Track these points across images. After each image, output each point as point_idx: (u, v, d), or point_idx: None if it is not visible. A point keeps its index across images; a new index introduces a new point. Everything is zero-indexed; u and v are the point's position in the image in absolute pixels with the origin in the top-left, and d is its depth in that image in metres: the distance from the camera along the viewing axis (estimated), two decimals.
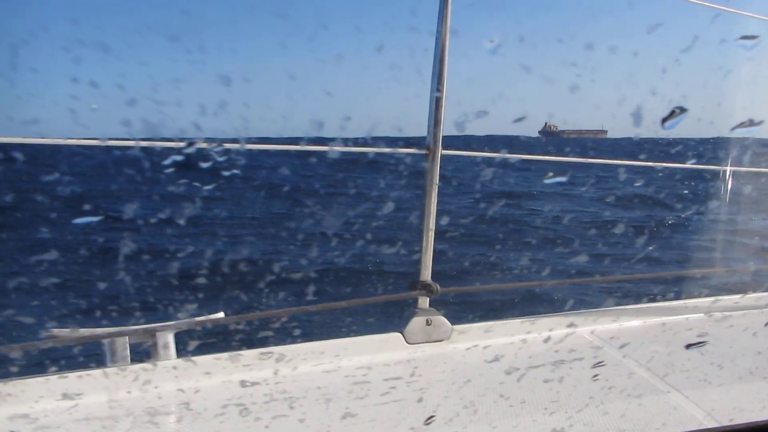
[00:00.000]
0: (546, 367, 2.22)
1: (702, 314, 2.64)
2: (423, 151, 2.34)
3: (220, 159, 2.16)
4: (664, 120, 2.25)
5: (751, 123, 2.46)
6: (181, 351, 2.34)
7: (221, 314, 2.53)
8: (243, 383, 2.00)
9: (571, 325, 2.47)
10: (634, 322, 2.58)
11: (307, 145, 2.35)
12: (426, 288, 2.35)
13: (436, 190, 2.34)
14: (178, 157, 2.00)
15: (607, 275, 8.96)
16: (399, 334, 2.31)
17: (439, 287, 2.33)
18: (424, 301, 2.37)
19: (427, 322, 2.34)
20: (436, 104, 2.29)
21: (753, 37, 2.48)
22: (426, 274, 2.36)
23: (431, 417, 1.82)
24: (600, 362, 2.26)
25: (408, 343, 2.30)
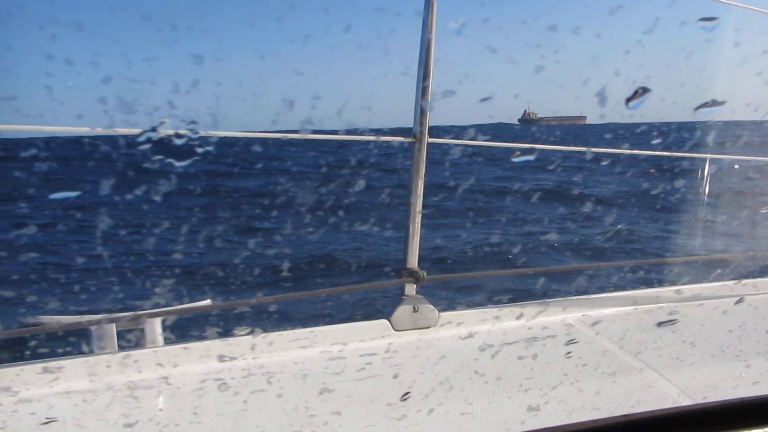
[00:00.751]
0: (519, 344, 2.24)
1: (673, 294, 2.67)
2: (410, 140, 2.34)
3: (199, 148, 2.16)
4: (628, 100, 2.28)
5: (714, 103, 2.49)
6: (169, 337, 2.35)
7: (208, 301, 2.53)
8: (221, 358, 2.01)
9: (542, 305, 2.50)
10: (607, 306, 2.60)
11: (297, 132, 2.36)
12: (413, 275, 2.36)
13: (423, 177, 2.35)
14: (152, 134, 2.00)
15: (591, 263, 9.02)
16: (386, 321, 2.32)
17: (425, 274, 2.34)
18: (410, 288, 2.39)
19: (414, 308, 2.35)
20: (423, 93, 2.30)
21: (712, 19, 2.49)
22: (413, 262, 2.37)
23: (407, 393, 1.83)
24: (573, 340, 2.28)
25: (395, 329, 2.31)
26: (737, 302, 2.56)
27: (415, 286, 2.38)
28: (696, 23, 2.50)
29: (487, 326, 2.39)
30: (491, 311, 2.45)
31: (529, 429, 1.42)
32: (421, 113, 2.32)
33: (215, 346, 2.07)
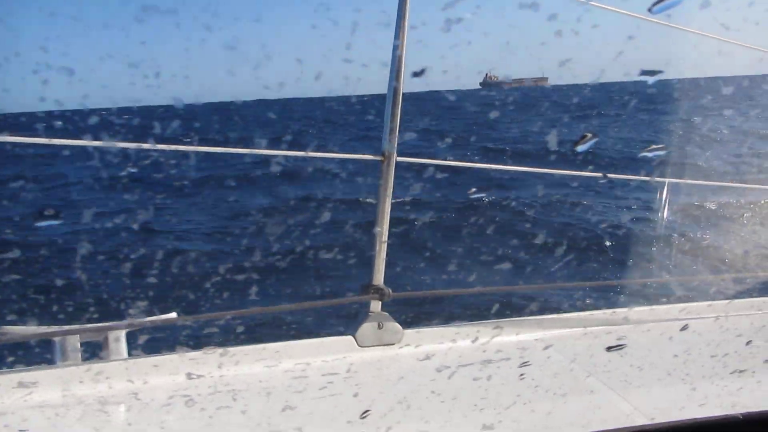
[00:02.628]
0: (475, 365, 2.29)
1: (621, 319, 2.75)
2: (378, 158, 2.37)
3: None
4: (576, 144, 2.39)
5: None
6: (133, 349, 2.35)
7: (174, 314, 2.54)
8: (189, 375, 2.04)
9: (497, 327, 2.56)
10: (558, 328, 2.66)
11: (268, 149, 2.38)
12: (378, 292, 2.38)
13: (390, 196, 2.38)
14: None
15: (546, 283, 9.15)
16: (351, 338, 2.35)
17: (390, 291, 2.37)
18: (376, 305, 2.41)
19: (379, 325, 2.37)
20: (392, 113, 2.34)
21: (657, 72, 2.60)
22: (378, 278, 2.40)
23: (366, 411, 1.87)
24: (526, 362, 2.33)
25: (359, 346, 2.33)
26: (682, 329, 2.64)
27: (380, 302, 2.40)
28: None
29: (445, 346, 2.43)
30: (450, 330, 2.49)
31: None
32: (390, 132, 2.35)
33: (183, 360, 2.09)
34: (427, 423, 1.89)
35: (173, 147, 2.28)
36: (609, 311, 2.77)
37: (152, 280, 8.77)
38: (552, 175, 3.21)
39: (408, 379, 2.22)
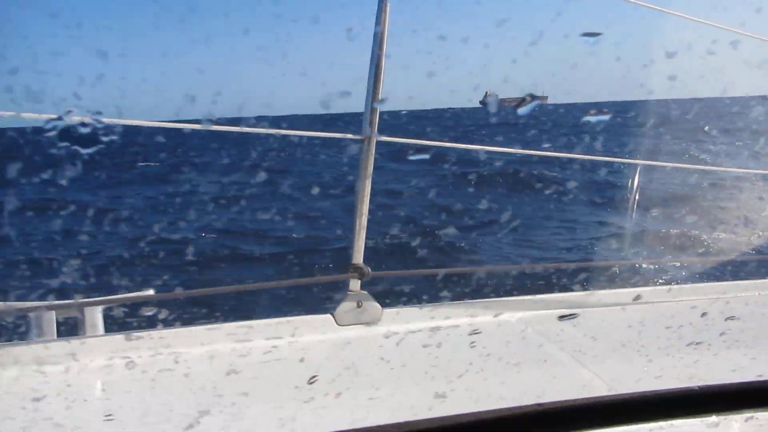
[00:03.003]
0: (424, 332, 2.27)
1: (573, 296, 2.74)
2: (359, 137, 2.36)
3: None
4: (517, 106, 2.38)
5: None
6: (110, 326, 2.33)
7: (151, 291, 2.52)
8: (128, 337, 2.01)
9: (451, 304, 2.54)
10: (512, 307, 2.60)
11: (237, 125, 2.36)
12: (357, 271, 2.38)
13: (370, 176, 2.37)
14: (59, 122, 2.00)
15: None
16: (330, 316, 2.34)
17: (370, 270, 2.36)
18: (355, 284, 2.40)
19: (358, 304, 2.37)
20: (374, 92, 2.33)
21: (596, 35, 2.61)
22: (358, 257, 2.39)
23: (314, 377, 1.85)
24: (476, 330, 2.31)
25: (338, 325, 2.32)
26: (635, 299, 2.63)
27: (359, 281, 2.40)
28: (579, 36, 2.62)
29: (425, 324, 2.42)
30: (429, 309, 2.47)
31: (438, 415, 1.41)
32: (371, 112, 2.34)
33: (164, 336, 2.08)
34: (377, 390, 1.86)
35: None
36: (561, 294, 2.77)
37: (130, 256, 8.72)
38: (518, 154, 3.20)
39: (355, 345, 2.20)
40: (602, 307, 2.62)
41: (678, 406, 1.47)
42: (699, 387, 1.57)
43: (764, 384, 1.67)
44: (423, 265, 8.93)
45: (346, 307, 2.35)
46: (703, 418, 1.45)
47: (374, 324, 2.36)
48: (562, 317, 2.47)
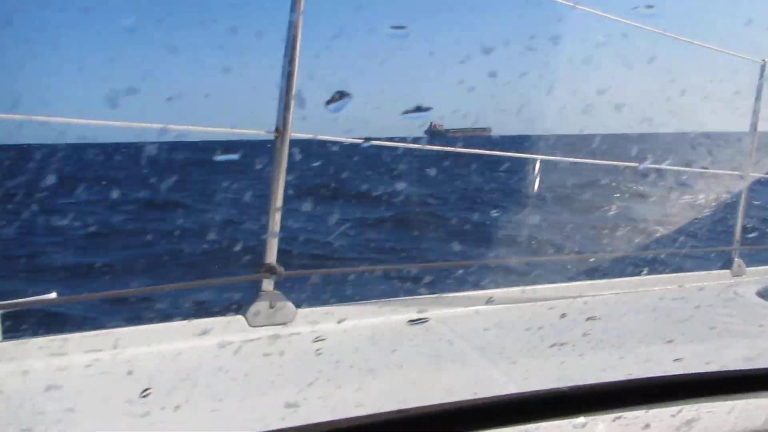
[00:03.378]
0: (262, 340, 2.18)
1: (425, 300, 2.61)
2: (272, 133, 2.32)
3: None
4: (328, 103, 2.40)
5: (419, 109, 2.69)
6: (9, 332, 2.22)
7: (53, 294, 2.42)
8: None
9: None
10: (359, 314, 2.49)
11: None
12: (270, 270, 2.35)
13: (284, 173, 2.34)
14: None
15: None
16: (242, 317, 2.27)
17: (283, 270, 2.33)
18: (268, 284, 2.37)
19: (270, 305, 2.33)
20: (287, 88, 2.30)
21: (402, 27, 2.67)
22: (271, 257, 2.36)
23: (147, 390, 1.73)
24: (320, 337, 2.23)
25: (250, 326, 2.26)
26: (488, 302, 2.58)
27: (272, 281, 2.36)
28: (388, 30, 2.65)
29: (341, 326, 2.36)
30: (345, 308, 2.43)
31: (291, 426, 1.33)
32: (285, 107, 2.30)
33: (75, 341, 1.94)
34: (221, 401, 1.75)
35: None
36: (410, 298, 2.64)
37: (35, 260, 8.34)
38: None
39: (186, 355, 2.05)
40: (454, 309, 2.56)
41: (546, 408, 1.43)
42: (569, 388, 1.53)
43: (634, 383, 1.65)
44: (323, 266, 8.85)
45: (258, 307, 2.31)
46: (571, 419, 1.42)
47: (288, 324, 2.33)
48: (412, 321, 2.41)
